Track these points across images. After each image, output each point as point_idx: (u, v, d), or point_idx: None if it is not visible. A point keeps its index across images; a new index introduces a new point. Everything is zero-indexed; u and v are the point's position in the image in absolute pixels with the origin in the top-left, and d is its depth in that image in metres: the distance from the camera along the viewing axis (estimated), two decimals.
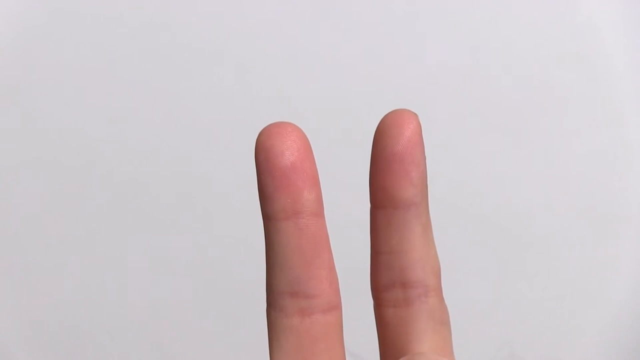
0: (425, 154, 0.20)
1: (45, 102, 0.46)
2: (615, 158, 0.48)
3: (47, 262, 0.47)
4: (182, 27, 0.46)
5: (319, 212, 0.20)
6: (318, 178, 0.20)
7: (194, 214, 0.47)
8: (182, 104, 0.46)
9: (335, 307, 0.21)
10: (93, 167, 0.47)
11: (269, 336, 0.21)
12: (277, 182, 0.19)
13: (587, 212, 0.48)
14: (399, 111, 0.20)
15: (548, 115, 0.47)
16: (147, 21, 0.46)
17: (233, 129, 0.46)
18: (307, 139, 0.20)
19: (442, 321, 0.21)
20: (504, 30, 0.47)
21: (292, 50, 0.46)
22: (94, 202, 0.47)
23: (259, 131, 0.20)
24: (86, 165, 0.47)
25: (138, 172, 0.47)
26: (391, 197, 0.20)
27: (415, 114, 0.20)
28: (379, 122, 0.20)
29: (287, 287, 0.20)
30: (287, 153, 0.19)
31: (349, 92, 0.46)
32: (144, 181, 0.47)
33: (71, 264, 0.47)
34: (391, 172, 0.20)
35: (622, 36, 0.46)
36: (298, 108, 0.46)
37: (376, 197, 0.21)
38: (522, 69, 0.47)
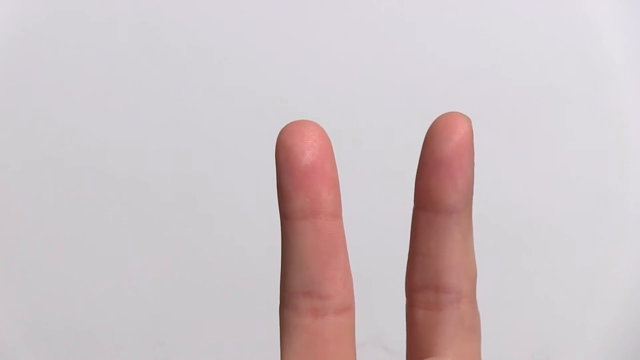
0: (474, 161, 0.20)
1: (46, 102, 0.46)
2: (615, 158, 0.48)
3: (47, 262, 0.47)
4: (182, 27, 0.46)
5: (337, 213, 0.20)
6: (338, 179, 0.20)
7: (195, 214, 0.47)
8: (182, 104, 0.46)
9: (348, 308, 0.20)
10: (93, 167, 0.47)
11: (280, 334, 0.21)
12: (297, 181, 0.19)
13: (587, 212, 0.48)
14: (452, 114, 0.20)
15: (548, 115, 0.47)
16: (147, 21, 0.46)
17: (234, 129, 0.46)
18: (328, 138, 0.20)
19: (472, 328, 0.21)
20: (504, 30, 0.47)
21: (292, 50, 0.46)
22: (95, 202, 0.47)
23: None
24: (86, 165, 0.47)
25: (138, 172, 0.47)
26: (434, 201, 0.20)
27: (467, 118, 0.20)
28: (431, 123, 0.20)
29: (301, 287, 0.20)
30: (308, 153, 0.19)
31: (347, 93, 0.46)
32: (144, 181, 0.47)
33: (71, 264, 0.47)
34: (437, 176, 0.19)
35: (622, 36, 0.46)
36: (298, 109, 0.46)
37: (419, 198, 0.20)
38: (522, 68, 0.47)
